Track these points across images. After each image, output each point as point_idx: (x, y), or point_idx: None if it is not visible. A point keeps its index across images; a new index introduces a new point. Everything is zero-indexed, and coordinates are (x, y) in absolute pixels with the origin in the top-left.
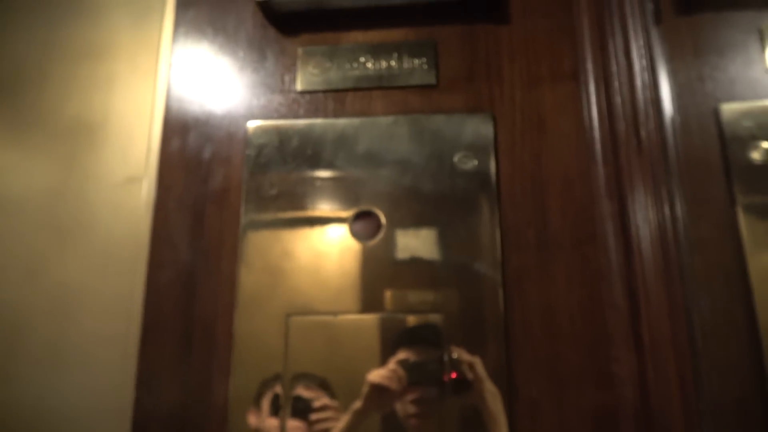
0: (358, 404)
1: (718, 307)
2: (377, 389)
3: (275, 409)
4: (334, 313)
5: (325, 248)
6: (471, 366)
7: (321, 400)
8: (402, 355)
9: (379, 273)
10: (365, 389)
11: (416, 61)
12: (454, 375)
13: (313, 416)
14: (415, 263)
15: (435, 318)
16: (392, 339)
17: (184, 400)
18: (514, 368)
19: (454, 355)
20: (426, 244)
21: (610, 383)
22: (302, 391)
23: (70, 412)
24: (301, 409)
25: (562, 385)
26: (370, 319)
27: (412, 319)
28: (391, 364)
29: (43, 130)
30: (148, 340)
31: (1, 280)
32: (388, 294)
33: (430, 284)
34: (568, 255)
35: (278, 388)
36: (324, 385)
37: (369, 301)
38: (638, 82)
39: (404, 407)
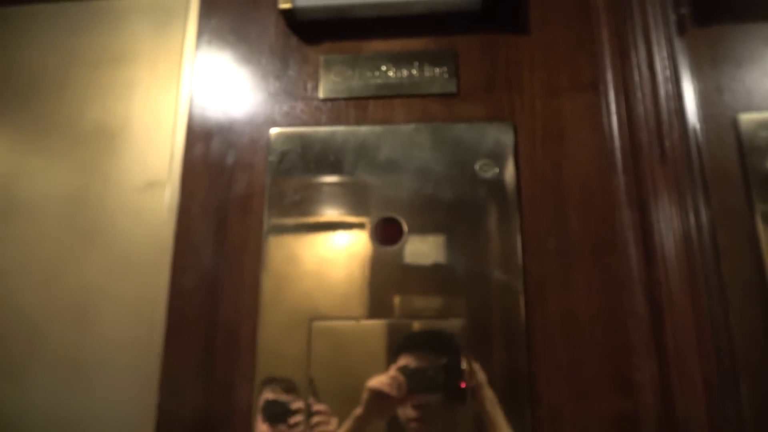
0: (358, 410)
1: (741, 315)
2: (377, 395)
3: (267, 415)
4: (357, 318)
5: (347, 254)
6: (471, 373)
7: (295, 403)
8: (403, 361)
9: (400, 279)
10: (365, 395)
11: (437, 70)
12: (463, 384)
13: (291, 420)
14: (437, 269)
15: (455, 323)
16: (397, 344)
17: (207, 404)
18: (535, 374)
19: (456, 362)
20: (447, 250)
21: (631, 390)
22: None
23: (91, 416)
24: (280, 414)
25: (582, 391)
26: (391, 324)
27: (429, 324)
28: (392, 371)
29: (63, 135)
30: (171, 344)
31: (22, 284)
32: (409, 300)
33: (451, 290)
34: (588, 263)
35: (268, 394)
36: (339, 389)
37: (391, 307)
38: (662, 93)
39: (405, 412)
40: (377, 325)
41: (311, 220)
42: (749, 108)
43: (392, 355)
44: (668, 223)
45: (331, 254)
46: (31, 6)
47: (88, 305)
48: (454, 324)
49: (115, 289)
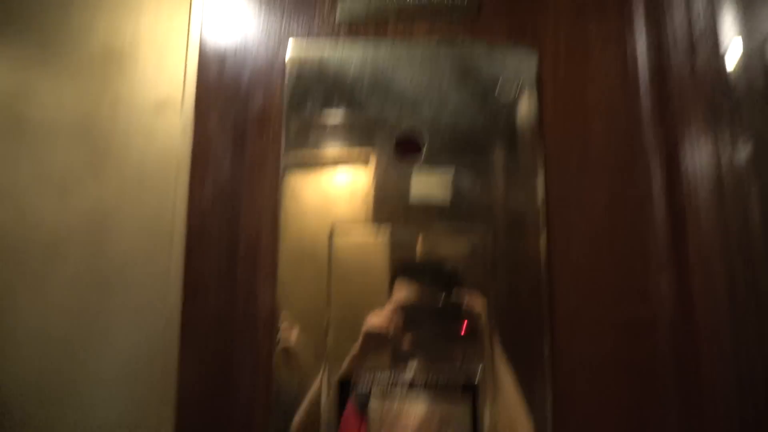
0: (355, 351)
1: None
2: (373, 337)
3: None
4: (377, 224)
5: (365, 169)
6: (474, 309)
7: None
8: (402, 293)
9: (416, 196)
10: (361, 338)
11: None
12: (465, 323)
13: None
14: (455, 189)
15: (474, 242)
16: (396, 268)
17: (231, 309)
18: (554, 283)
19: (458, 298)
20: (467, 172)
21: (647, 298)
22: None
23: (113, 325)
24: None
25: (600, 299)
26: (408, 231)
27: (437, 249)
28: (387, 309)
29: (72, 52)
30: (192, 253)
31: (36, 201)
32: (425, 215)
33: (469, 211)
34: (610, 181)
35: None
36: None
37: (407, 218)
38: (694, 14)
39: (401, 347)
40: (395, 231)
41: (329, 138)
42: None
43: (392, 278)
44: (694, 141)
45: (350, 167)
46: None
47: (103, 219)
48: (471, 243)
49: (132, 204)
